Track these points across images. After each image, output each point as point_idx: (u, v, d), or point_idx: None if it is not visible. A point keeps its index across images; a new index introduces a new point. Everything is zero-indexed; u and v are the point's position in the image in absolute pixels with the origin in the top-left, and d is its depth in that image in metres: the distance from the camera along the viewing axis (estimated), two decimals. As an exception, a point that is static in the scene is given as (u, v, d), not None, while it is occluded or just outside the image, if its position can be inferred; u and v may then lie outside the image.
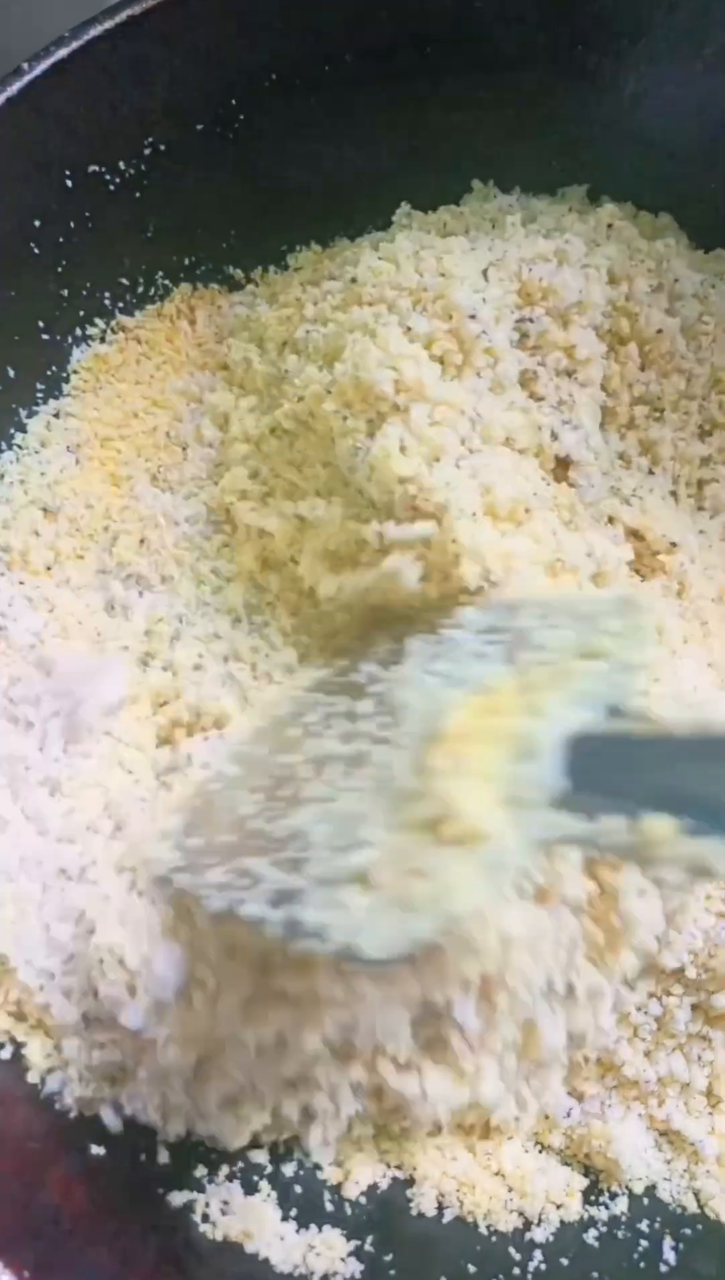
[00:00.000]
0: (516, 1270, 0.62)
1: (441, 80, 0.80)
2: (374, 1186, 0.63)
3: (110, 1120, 0.59)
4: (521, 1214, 0.64)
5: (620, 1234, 0.64)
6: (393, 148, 0.83)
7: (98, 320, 0.78)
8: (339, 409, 0.67)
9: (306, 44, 0.77)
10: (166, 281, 0.80)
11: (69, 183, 0.73)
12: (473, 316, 0.66)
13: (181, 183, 0.78)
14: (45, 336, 0.76)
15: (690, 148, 0.83)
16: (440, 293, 0.67)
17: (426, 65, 0.80)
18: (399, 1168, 0.64)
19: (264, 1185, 0.62)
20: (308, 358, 0.72)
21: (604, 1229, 0.64)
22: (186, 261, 0.81)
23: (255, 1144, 0.62)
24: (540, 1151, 0.65)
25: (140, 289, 0.80)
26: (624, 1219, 0.64)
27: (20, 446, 0.75)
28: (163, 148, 0.76)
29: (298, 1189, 0.62)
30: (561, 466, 0.71)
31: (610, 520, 0.71)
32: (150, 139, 0.75)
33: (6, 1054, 0.61)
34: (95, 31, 0.70)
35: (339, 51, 0.78)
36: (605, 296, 0.72)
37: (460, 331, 0.66)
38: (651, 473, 0.77)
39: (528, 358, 0.70)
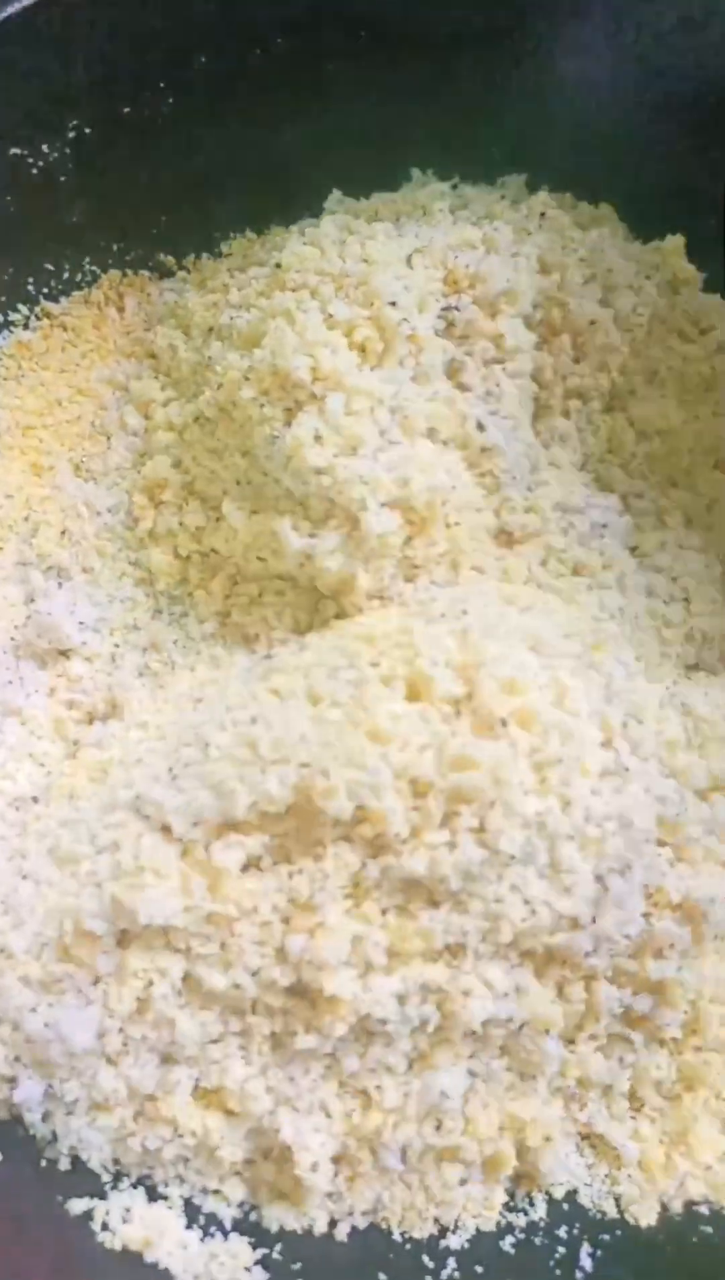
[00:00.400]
0: (428, 1278, 0.60)
1: (376, 66, 0.78)
2: (285, 1193, 0.62)
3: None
4: (437, 1220, 0.62)
5: (538, 1240, 0.62)
6: (329, 134, 0.81)
7: (21, 307, 0.77)
8: (257, 396, 0.65)
9: (237, 26, 0.75)
10: (94, 268, 0.79)
11: (-12, 165, 0.72)
12: (393, 303, 0.64)
13: (109, 167, 0.76)
14: (-34, 322, 0.75)
15: (630, 137, 0.82)
16: (362, 279, 0.65)
17: (361, 49, 0.78)
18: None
19: (171, 1192, 0.60)
20: (231, 344, 0.70)
21: (522, 1235, 0.62)
22: (115, 247, 0.79)
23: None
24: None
25: (66, 275, 0.78)
26: (543, 1225, 0.63)
27: (-62, 435, 0.74)
28: (88, 130, 0.74)
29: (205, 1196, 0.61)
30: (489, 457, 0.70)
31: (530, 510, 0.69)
32: (75, 121, 0.74)
33: None
34: (14, 8, 0.68)
35: (271, 35, 0.76)
36: (535, 286, 0.71)
37: (381, 318, 0.65)
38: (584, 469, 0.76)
39: (454, 347, 0.69)
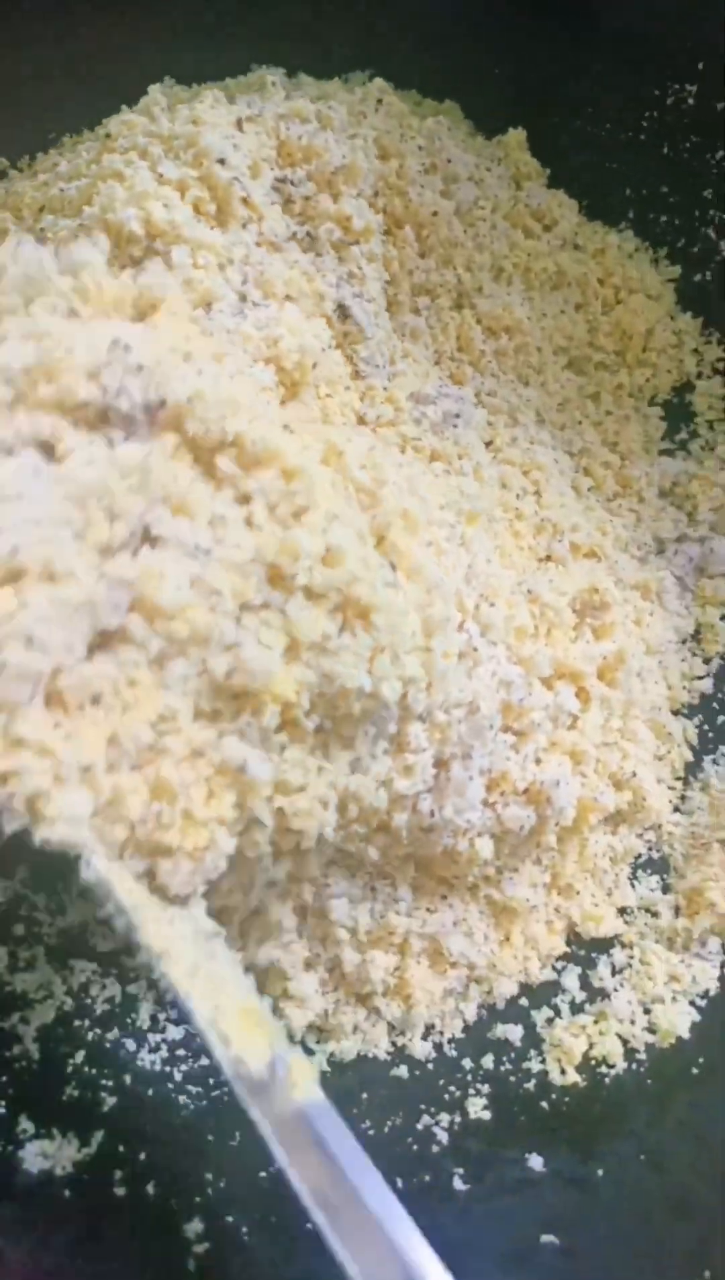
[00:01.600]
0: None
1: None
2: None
3: None
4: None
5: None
6: (169, 30, 0.79)
7: None
8: (89, 254, 0.62)
9: None
10: None
11: None
12: (222, 161, 0.62)
13: None
14: None
15: (474, 34, 0.81)
16: (191, 140, 0.63)
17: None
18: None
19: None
20: (62, 214, 0.67)
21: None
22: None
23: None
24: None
25: None
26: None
27: None
28: None
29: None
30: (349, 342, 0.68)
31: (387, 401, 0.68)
32: None
33: None
34: None
35: None
36: (374, 170, 0.70)
37: (211, 177, 0.62)
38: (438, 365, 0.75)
39: (296, 224, 0.67)
